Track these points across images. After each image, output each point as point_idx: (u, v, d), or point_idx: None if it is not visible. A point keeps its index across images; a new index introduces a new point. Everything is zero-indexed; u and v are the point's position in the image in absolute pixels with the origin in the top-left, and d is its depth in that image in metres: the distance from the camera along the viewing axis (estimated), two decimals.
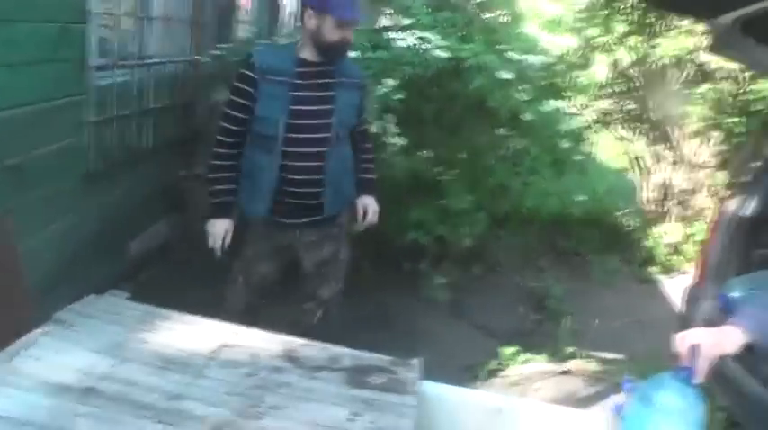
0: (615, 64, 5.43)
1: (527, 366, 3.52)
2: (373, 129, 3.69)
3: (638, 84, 6.13)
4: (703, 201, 6.15)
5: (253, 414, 1.55)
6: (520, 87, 3.95)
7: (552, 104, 3.99)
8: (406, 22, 4.04)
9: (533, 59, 3.80)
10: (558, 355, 3.73)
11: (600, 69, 5.31)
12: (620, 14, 5.49)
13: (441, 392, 1.77)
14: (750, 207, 3.40)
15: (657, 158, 6.41)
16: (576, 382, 3.14)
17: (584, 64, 5.49)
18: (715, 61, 5.28)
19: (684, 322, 2.94)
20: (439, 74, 3.76)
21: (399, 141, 3.74)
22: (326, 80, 2.71)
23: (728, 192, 4.21)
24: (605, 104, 6.54)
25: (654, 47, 5.44)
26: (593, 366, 3.69)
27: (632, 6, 5.19)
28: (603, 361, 3.77)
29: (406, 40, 3.74)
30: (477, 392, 1.84)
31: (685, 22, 5.12)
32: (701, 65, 5.60)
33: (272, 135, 2.64)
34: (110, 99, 3.43)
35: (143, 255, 3.99)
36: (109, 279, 2.99)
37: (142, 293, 2.35)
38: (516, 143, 4.27)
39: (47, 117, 2.92)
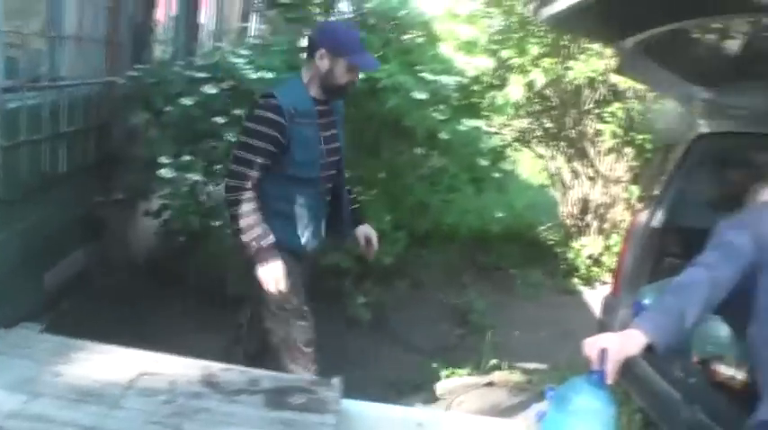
0: (530, 85, 5.59)
1: (451, 380, 3.56)
2: None
3: (553, 103, 6.35)
4: (620, 214, 6.38)
5: None
6: (436, 107, 4.01)
7: (469, 124, 4.07)
8: None
9: (447, 80, 3.87)
10: (481, 368, 3.79)
11: (515, 90, 5.46)
12: (535, 37, 5.67)
13: (361, 409, 1.78)
14: (659, 218, 3.56)
15: (576, 174, 6.63)
16: (500, 393, 3.20)
17: (501, 84, 5.63)
18: (624, 82, 5.52)
19: (603, 330, 3.04)
20: (355, 94, 3.80)
21: None
22: (332, 118, 2.79)
23: (641, 205, 4.39)
24: (523, 123, 6.75)
25: (567, 68, 5.64)
26: (516, 377, 3.76)
27: (546, 29, 5.37)
28: (527, 371, 3.85)
29: None
30: (397, 408, 1.85)
31: (596, 45, 5.32)
32: (612, 85, 5.85)
33: (314, 177, 2.70)
34: (20, 122, 3.31)
35: (60, 284, 3.85)
36: (23, 311, 2.88)
37: (59, 324, 2.29)
38: (435, 162, 4.34)
39: None
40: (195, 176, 3.82)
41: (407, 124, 3.95)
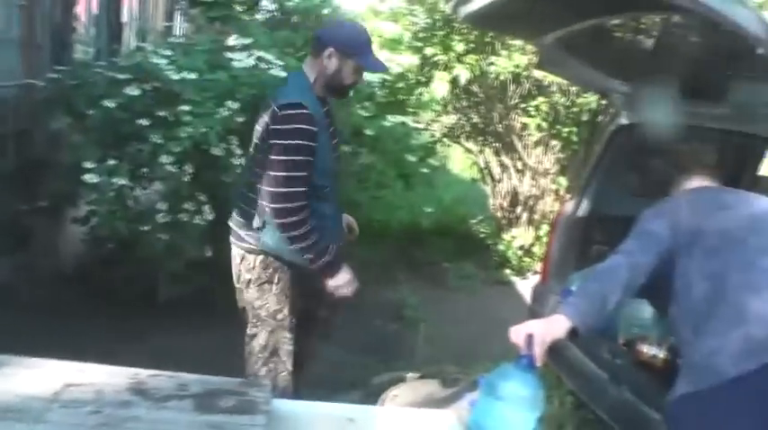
0: (455, 81, 5.67)
1: (385, 375, 3.58)
2: (215, 151, 3.66)
3: (480, 99, 6.46)
4: (549, 204, 6.53)
5: None
6: (362, 104, 4.04)
7: (395, 120, 4.11)
8: (245, 41, 4.03)
9: (371, 77, 3.89)
10: (415, 362, 3.82)
11: (440, 86, 5.53)
12: (459, 34, 5.75)
13: (292, 408, 1.79)
14: (584, 208, 3.67)
15: (504, 168, 6.76)
16: (434, 386, 3.22)
17: (427, 81, 5.70)
18: (548, 76, 5.66)
19: (533, 317, 3.13)
20: None
21: (244, 161, 3.73)
22: (330, 120, 2.70)
23: (569, 196, 4.51)
24: (452, 119, 6.85)
25: (491, 64, 5.75)
26: (450, 369, 3.81)
27: (469, 27, 5.46)
28: (460, 362, 3.90)
29: (242, 60, 3.73)
30: (328, 405, 1.86)
31: (519, 42, 5.44)
32: (537, 80, 5.99)
33: (329, 185, 2.64)
34: None
35: None
36: None
37: None
38: (363, 159, 4.37)
39: None
40: (121, 181, 3.74)
41: None
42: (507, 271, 6.28)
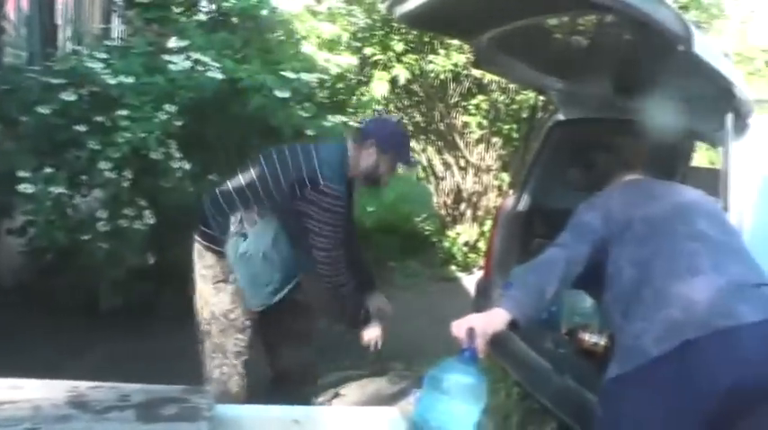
0: (394, 80, 5.71)
1: (333, 375, 3.59)
2: (154, 155, 3.62)
3: (421, 98, 6.52)
4: (493, 200, 6.63)
5: None
6: (302, 105, 4.03)
7: (336, 120, 4.11)
8: (182, 44, 3.98)
9: (308, 77, 3.89)
10: (362, 361, 3.83)
11: (379, 86, 5.56)
12: (398, 33, 5.79)
13: (236, 413, 1.78)
14: (524, 202, 3.74)
15: (447, 165, 6.83)
16: (381, 383, 3.27)
17: (367, 81, 5.72)
18: (488, 75, 5.74)
19: (477, 312, 3.19)
20: (218, 96, 3.76)
21: (184, 166, 3.69)
22: (351, 198, 2.89)
23: (511, 192, 4.58)
24: (394, 119, 6.88)
25: (430, 63, 5.81)
26: (397, 366, 3.85)
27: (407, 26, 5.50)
28: (407, 360, 3.94)
29: (178, 64, 3.68)
30: (272, 407, 1.85)
31: (457, 41, 5.50)
32: (476, 78, 6.07)
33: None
34: None
35: None
36: None
37: None
38: None
39: None
40: (59, 189, 3.65)
41: (273, 124, 3.94)
42: (453, 267, 6.36)
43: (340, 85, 4.94)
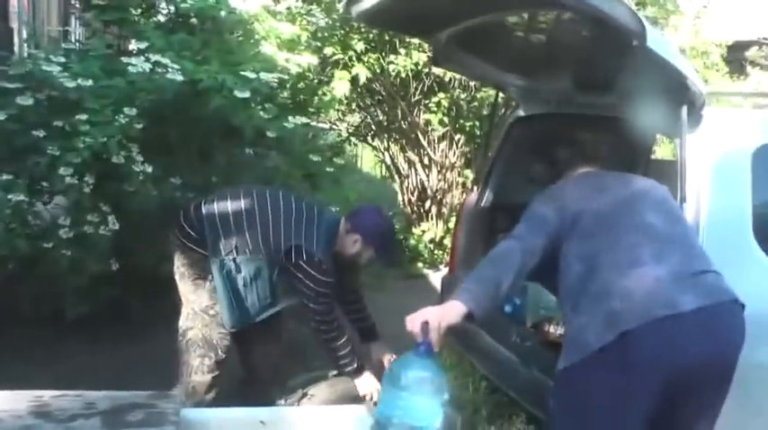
0: (355, 79, 5.71)
1: (300, 376, 3.58)
2: (116, 159, 3.58)
3: (383, 96, 6.53)
4: (457, 197, 6.68)
5: None
6: (262, 106, 4.02)
7: (297, 120, 4.09)
8: (141, 45, 3.94)
9: (267, 77, 3.87)
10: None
11: (340, 85, 5.56)
12: (357, 33, 5.80)
13: (203, 416, 1.78)
14: (486, 198, 3.78)
15: (411, 163, 6.86)
16: (349, 382, 3.25)
17: (328, 81, 5.72)
18: (449, 73, 5.78)
19: None
20: (178, 98, 3.72)
21: (147, 169, 3.65)
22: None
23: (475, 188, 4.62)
24: (356, 118, 6.90)
25: (391, 62, 5.82)
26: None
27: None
28: None
29: (137, 66, 3.64)
30: (238, 409, 1.86)
31: (416, 39, 5.53)
32: (437, 76, 6.10)
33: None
34: None
35: None
36: None
37: None
38: (267, 161, 4.34)
39: None
40: (19, 196, 3.58)
41: (235, 124, 3.92)
42: (419, 264, 6.39)
43: (301, 85, 4.93)
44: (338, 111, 6.58)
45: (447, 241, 6.47)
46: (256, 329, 3.00)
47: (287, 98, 4.65)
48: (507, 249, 2.09)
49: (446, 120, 6.28)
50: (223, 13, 4.32)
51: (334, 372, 3.30)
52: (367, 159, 8.93)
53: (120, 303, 4.06)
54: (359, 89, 6.18)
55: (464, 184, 6.71)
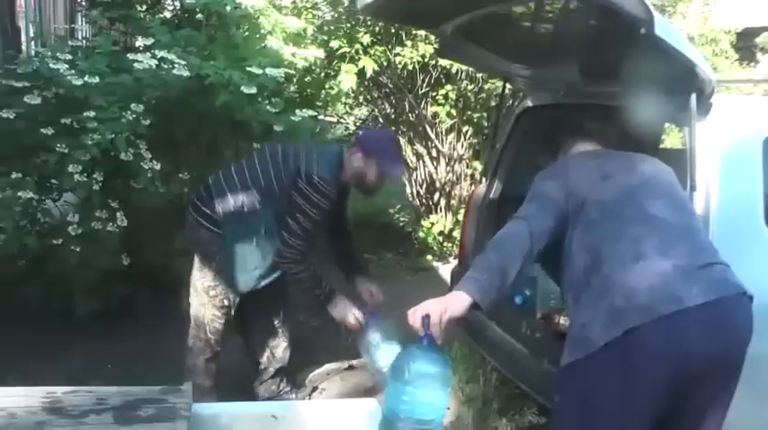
0: (362, 72, 5.69)
1: (311, 370, 3.59)
2: (124, 156, 3.59)
3: (390, 89, 6.51)
4: (466, 189, 6.64)
5: None
6: (269, 100, 4.01)
7: (304, 114, 4.08)
8: (147, 42, 3.94)
9: (273, 72, 3.87)
10: (340, 354, 3.83)
11: (347, 78, 5.54)
12: (364, 26, 5.77)
13: (214, 411, 1.78)
14: (495, 189, 3.76)
15: (419, 156, 6.84)
16: (361, 375, 3.26)
17: (335, 74, 5.70)
18: (455, 64, 5.75)
19: None
20: (184, 94, 3.72)
21: (155, 166, 3.66)
22: (339, 203, 3.02)
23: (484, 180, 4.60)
24: (363, 111, 6.88)
25: (397, 55, 5.80)
26: None
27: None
28: None
29: (143, 62, 3.64)
30: (250, 404, 1.86)
31: (423, 31, 5.50)
32: (444, 68, 6.07)
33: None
34: None
35: None
36: None
37: None
38: None
39: None
40: (28, 194, 3.60)
41: (241, 119, 3.93)
42: (429, 257, 6.37)
43: (307, 79, 4.92)
44: (345, 104, 6.56)
45: (456, 233, 6.44)
46: (258, 298, 3.05)
47: (294, 92, 4.65)
48: (517, 232, 2.01)
49: (453, 112, 6.24)
50: (228, 8, 4.31)
51: (345, 365, 3.31)
52: None
53: (129, 299, 4.08)
54: (366, 82, 6.15)
55: (472, 176, 6.67)
